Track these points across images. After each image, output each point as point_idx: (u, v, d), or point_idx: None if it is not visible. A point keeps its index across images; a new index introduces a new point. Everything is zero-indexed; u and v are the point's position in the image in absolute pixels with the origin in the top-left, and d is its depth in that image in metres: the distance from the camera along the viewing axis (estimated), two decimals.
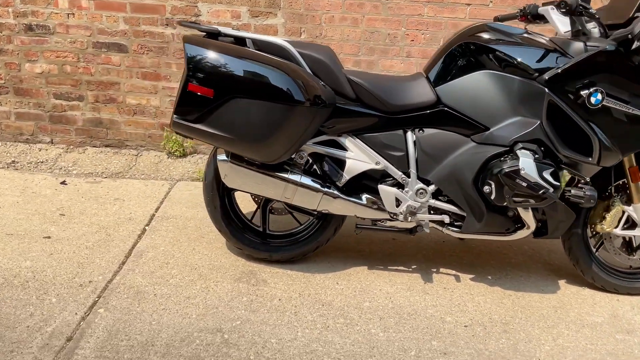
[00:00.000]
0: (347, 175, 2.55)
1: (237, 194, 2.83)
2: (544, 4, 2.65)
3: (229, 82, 2.27)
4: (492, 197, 2.37)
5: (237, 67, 2.26)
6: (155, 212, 3.27)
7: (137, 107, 3.85)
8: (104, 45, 3.72)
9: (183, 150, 3.87)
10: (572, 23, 2.41)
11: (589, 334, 2.46)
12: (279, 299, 2.57)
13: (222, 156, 2.52)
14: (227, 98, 2.27)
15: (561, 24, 2.54)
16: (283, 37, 3.62)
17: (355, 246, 3.05)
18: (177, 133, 2.43)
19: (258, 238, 2.80)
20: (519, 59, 2.37)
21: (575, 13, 2.27)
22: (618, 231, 2.62)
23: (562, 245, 2.78)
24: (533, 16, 2.66)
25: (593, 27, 2.43)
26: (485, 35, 2.47)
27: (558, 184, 2.31)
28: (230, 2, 3.57)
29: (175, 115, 2.34)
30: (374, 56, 3.63)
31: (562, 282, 2.84)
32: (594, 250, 2.73)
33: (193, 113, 2.31)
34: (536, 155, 2.33)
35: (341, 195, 2.55)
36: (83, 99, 3.86)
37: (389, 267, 2.87)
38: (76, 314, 2.38)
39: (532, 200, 2.34)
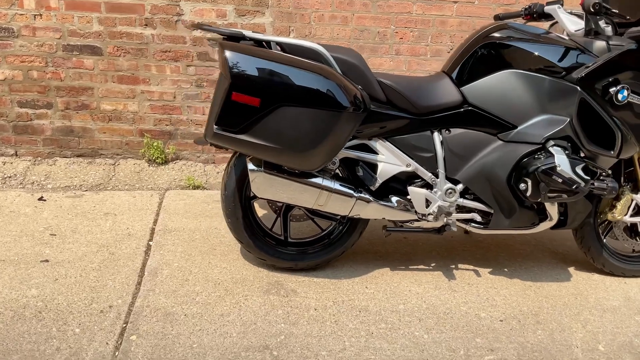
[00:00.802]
0: (380, 179, 2.52)
1: (255, 203, 2.73)
2: (548, 3, 2.73)
3: (275, 90, 2.16)
4: (528, 194, 2.43)
5: (283, 73, 2.16)
6: (154, 225, 3.09)
7: (113, 113, 3.60)
8: (75, 48, 3.45)
9: (165, 157, 3.68)
10: (587, 22, 2.50)
11: (611, 318, 2.59)
12: (315, 309, 2.51)
13: (253, 166, 2.40)
14: (274, 107, 2.17)
15: (570, 22, 2.63)
16: (272, 35, 3.51)
17: (370, 248, 3.03)
18: (212, 145, 2.29)
19: (281, 247, 2.71)
20: (545, 58, 2.43)
21: (599, 13, 2.36)
22: (627, 218, 2.78)
23: (573, 235, 2.92)
24: (539, 15, 2.74)
25: (606, 26, 2.54)
26: (509, 35, 2.51)
27: (589, 178, 2.41)
28: (215, 1, 3.41)
29: (216, 127, 2.20)
30: (364, 54, 3.60)
31: (572, 270, 2.97)
32: (603, 237, 2.89)
33: (237, 123, 2.19)
34: (567, 152, 2.42)
35: (374, 200, 2.52)
36: (52, 106, 3.56)
37: (409, 267, 2.88)
38: (107, 343, 2.20)
39: (564, 195, 2.42)
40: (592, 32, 2.51)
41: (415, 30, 3.54)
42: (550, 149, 2.40)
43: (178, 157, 3.73)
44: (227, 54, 2.14)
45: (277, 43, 2.37)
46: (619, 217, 2.74)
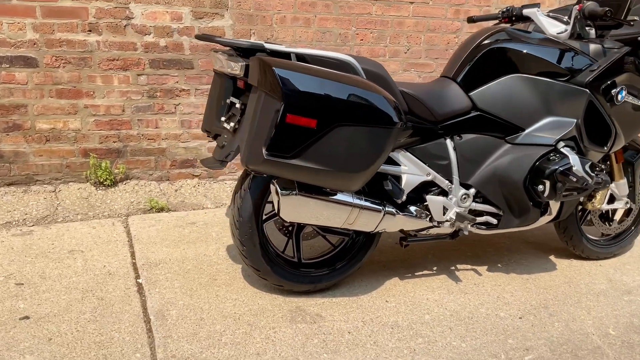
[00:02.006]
0: (405, 191, 2.45)
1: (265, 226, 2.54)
2: (525, 6, 2.83)
3: (331, 110, 1.99)
4: (546, 194, 2.51)
5: (336, 91, 2.00)
6: (134, 259, 2.74)
7: (51, 132, 3.12)
8: (4, 59, 2.93)
9: (113, 178, 3.27)
10: (574, 25, 2.63)
11: (606, 302, 2.79)
12: (349, 332, 2.39)
13: (283, 189, 2.20)
14: (331, 127, 1.99)
15: (550, 25, 2.75)
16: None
17: (370, 258, 2.96)
18: (256, 172, 2.06)
19: (296, 270, 2.54)
20: (550, 62, 2.52)
21: (595, 19, 2.48)
22: (604, 206, 3.00)
23: (555, 226, 3.09)
24: (518, 17, 2.84)
25: (590, 29, 2.69)
26: (511, 40, 2.56)
27: (594, 175, 2.55)
28: (169, 3, 3.08)
29: (267, 152, 1.97)
30: None
31: (553, 258, 3.15)
32: (580, 225, 3.09)
33: (291, 147, 1.98)
34: (574, 151, 2.54)
35: (397, 212, 2.45)
36: None
37: (415, 274, 2.86)
38: None
39: (575, 193, 2.54)
40: (576, 34, 2.65)
41: (375, 32, 3.50)
42: (562, 150, 2.50)
43: (128, 176, 3.34)
44: (279, 72, 1.92)
45: (301, 55, 2.19)
46: (598, 206, 2.95)
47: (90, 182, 3.26)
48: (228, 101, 2.46)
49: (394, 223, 2.47)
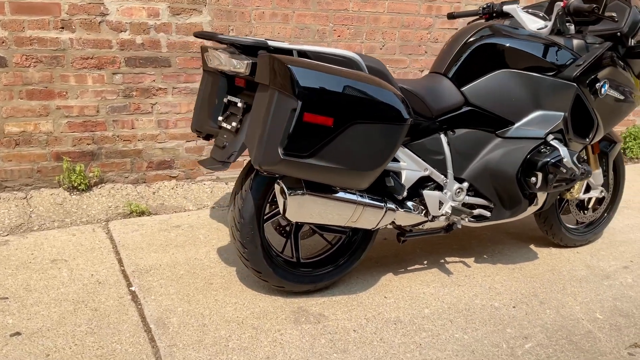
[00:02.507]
0: (405, 187, 2.45)
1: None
2: (505, 3, 2.90)
3: (347, 107, 1.96)
4: (538, 186, 2.57)
5: (351, 89, 1.97)
6: (122, 266, 2.62)
7: (21, 136, 2.93)
8: None
9: (87, 182, 3.11)
10: (555, 21, 2.71)
11: (588, 287, 2.90)
12: (354, 330, 2.38)
13: (290, 189, 2.16)
14: (347, 125, 1.96)
15: (530, 21, 2.83)
16: None
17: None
18: (269, 173, 2.00)
19: (296, 270, 2.51)
20: (538, 57, 2.58)
21: (584, 16, 2.56)
22: (581, 195, 3.12)
23: (535, 216, 3.18)
24: (498, 14, 2.90)
25: (570, 25, 2.78)
26: (501, 36, 2.60)
27: (580, 166, 2.64)
28: None
29: (283, 152, 1.91)
30: None
31: (533, 247, 3.25)
32: (559, 215, 3.20)
33: (308, 147, 1.93)
34: (562, 143, 2.61)
35: (399, 208, 2.45)
36: None
37: (408, 269, 2.88)
38: None
39: (564, 184, 2.62)
40: (556, 30, 2.73)
41: (352, 28, 3.49)
42: (552, 142, 2.58)
43: (103, 180, 3.19)
44: (295, 70, 1.87)
45: (304, 52, 2.15)
46: (576, 195, 3.06)
47: (64, 187, 3.10)
48: (225, 100, 2.39)
49: (393, 219, 2.48)
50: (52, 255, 2.64)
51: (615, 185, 3.34)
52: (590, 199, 3.28)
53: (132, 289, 2.47)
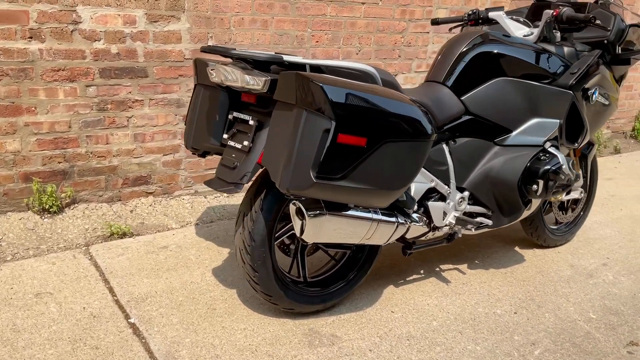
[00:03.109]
0: (415, 199, 2.41)
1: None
2: (489, 10, 2.92)
3: (379, 126, 1.88)
4: (539, 193, 2.60)
5: (382, 107, 1.89)
6: (114, 296, 2.43)
7: None
8: None
9: (59, 203, 2.86)
10: (543, 29, 2.75)
11: (577, 287, 2.99)
12: (370, 350, 2.32)
13: (309, 210, 2.06)
14: (379, 144, 1.88)
15: (515, 28, 2.86)
16: (189, 44, 2.98)
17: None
18: (297, 196, 1.89)
19: (304, 290, 2.41)
20: (535, 65, 2.60)
21: (568, 23, 2.61)
22: (564, 197, 3.20)
23: (521, 220, 3.23)
24: (484, 20, 2.91)
25: (556, 32, 2.83)
26: (497, 44, 2.60)
27: (574, 171, 2.69)
28: (121, 5, 2.73)
29: (316, 175, 1.81)
30: None
31: (518, 249, 3.31)
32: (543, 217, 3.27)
33: (340, 169, 1.84)
34: (559, 150, 2.66)
35: (407, 221, 2.41)
36: None
37: (407, 280, 2.86)
38: None
39: (561, 189, 2.67)
40: (542, 37, 2.77)
41: (329, 33, 3.40)
42: (550, 149, 2.61)
43: (75, 200, 2.95)
44: (327, 89, 1.77)
45: (317, 66, 2.06)
46: (560, 198, 3.14)
47: (33, 210, 2.84)
48: (230, 117, 2.26)
49: (403, 232, 2.44)
50: (35, 289, 2.42)
51: (590, 185, 3.47)
52: (569, 199, 3.38)
53: (131, 320, 2.30)
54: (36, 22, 2.61)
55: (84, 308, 2.34)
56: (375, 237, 2.35)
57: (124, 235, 2.89)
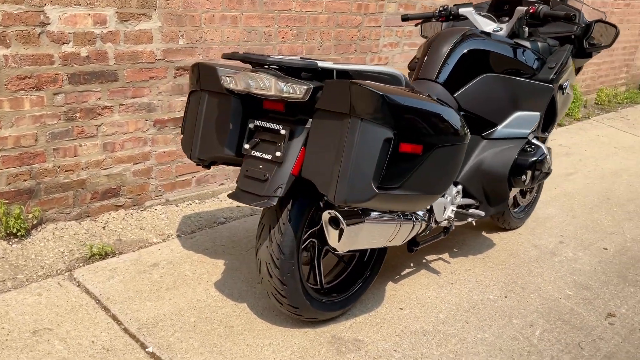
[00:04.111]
0: None
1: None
2: (457, 5, 3.00)
3: (432, 132, 1.88)
4: (526, 183, 2.73)
5: (432, 113, 1.89)
6: (120, 324, 2.23)
7: None
8: None
9: (27, 226, 2.53)
10: (514, 25, 2.88)
11: (546, 266, 3.21)
12: (395, 350, 2.35)
13: (350, 218, 2.01)
14: (432, 150, 1.87)
15: (484, 24, 2.98)
16: (160, 43, 2.75)
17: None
18: (353, 207, 1.82)
19: (324, 297, 2.37)
20: (518, 61, 2.72)
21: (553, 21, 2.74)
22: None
23: None
24: (454, 16, 2.99)
25: (525, 28, 2.97)
26: (482, 41, 2.68)
27: (551, 160, 2.87)
28: (91, 3, 2.45)
29: (378, 185, 1.75)
30: None
31: (485, 234, 3.49)
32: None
33: (399, 177, 1.82)
34: (540, 140, 2.81)
35: (418, 219, 2.43)
36: None
37: (401, 274, 2.91)
38: None
39: (544, 178, 2.83)
40: (511, 33, 2.91)
41: (294, 29, 3.31)
42: (534, 141, 2.76)
43: (42, 220, 2.64)
44: (388, 98, 1.73)
45: (344, 71, 2.01)
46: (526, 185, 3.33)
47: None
48: (251, 125, 2.13)
49: (418, 230, 2.48)
50: (29, 326, 2.15)
51: None
52: None
53: (150, 350, 2.13)
54: (1, 25, 2.29)
55: (92, 342, 2.14)
56: (397, 238, 2.37)
57: (105, 255, 2.66)
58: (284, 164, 2.05)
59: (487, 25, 2.96)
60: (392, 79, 2.12)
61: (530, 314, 2.74)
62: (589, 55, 3.08)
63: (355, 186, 1.85)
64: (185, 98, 3.08)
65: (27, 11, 2.35)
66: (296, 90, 1.93)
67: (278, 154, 2.06)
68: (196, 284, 2.59)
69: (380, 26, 3.85)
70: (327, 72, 2.04)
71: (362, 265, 2.57)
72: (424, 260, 3.10)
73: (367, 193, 1.86)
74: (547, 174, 2.87)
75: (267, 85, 1.97)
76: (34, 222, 2.64)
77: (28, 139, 2.53)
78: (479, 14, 3.05)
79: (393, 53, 4.15)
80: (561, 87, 2.94)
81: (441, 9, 3.01)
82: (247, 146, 2.16)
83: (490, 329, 2.59)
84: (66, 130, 2.65)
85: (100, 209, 2.89)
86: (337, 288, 2.50)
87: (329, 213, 2.08)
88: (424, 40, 3.36)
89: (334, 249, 2.24)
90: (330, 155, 1.90)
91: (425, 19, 3.15)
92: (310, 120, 2.05)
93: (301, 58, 2.03)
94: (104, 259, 2.68)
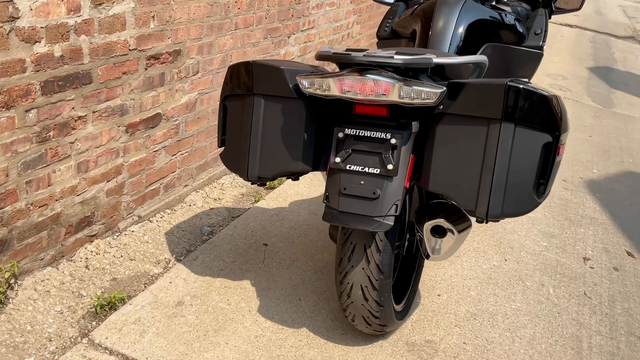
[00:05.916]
0: None
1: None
2: None
3: (564, 129, 1.73)
4: None
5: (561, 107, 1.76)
6: None
7: None
8: None
9: (2, 289, 1.84)
10: None
11: (511, 222, 3.36)
12: (464, 343, 2.37)
13: (458, 225, 1.84)
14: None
15: None
16: (134, 29, 2.13)
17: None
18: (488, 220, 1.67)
19: (397, 305, 2.22)
20: (511, 28, 2.70)
21: None
22: None
23: None
24: None
25: None
26: (479, 10, 2.59)
27: None
28: None
29: (540, 195, 1.63)
30: (212, 36, 2.65)
31: None
32: None
33: (548, 182, 1.73)
34: None
35: None
36: None
37: None
38: None
39: None
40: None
41: None
42: None
43: (16, 276, 1.94)
44: (552, 100, 1.61)
45: (441, 64, 1.80)
46: None
47: None
48: (340, 134, 1.79)
49: None
50: None
51: None
52: None
53: None
54: None
55: None
56: None
57: (115, 304, 2.11)
58: (396, 177, 1.80)
59: None
60: (475, 66, 1.97)
61: (533, 273, 2.90)
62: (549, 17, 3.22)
63: (513, 198, 1.70)
64: (155, 93, 2.51)
65: None
66: (429, 95, 1.67)
67: (390, 167, 1.79)
68: (240, 317, 2.24)
69: None
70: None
71: (409, 266, 2.45)
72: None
73: (528, 205, 1.73)
74: None
75: (385, 90, 1.66)
76: (11, 282, 1.98)
77: None
78: None
79: (318, 15, 3.87)
80: (543, 52, 3.03)
81: None
82: (337, 159, 1.84)
83: (515, 296, 2.70)
84: (39, 156, 1.99)
85: (74, 245, 2.27)
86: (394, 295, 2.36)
87: (440, 223, 1.90)
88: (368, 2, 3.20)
89: (430, 260, 2.08)
90: (471, 166, 1.71)
91: None
92: (414, 123, 1.82)
93: (396, 53, 1.75)
94: (115, 309, 2.14)
